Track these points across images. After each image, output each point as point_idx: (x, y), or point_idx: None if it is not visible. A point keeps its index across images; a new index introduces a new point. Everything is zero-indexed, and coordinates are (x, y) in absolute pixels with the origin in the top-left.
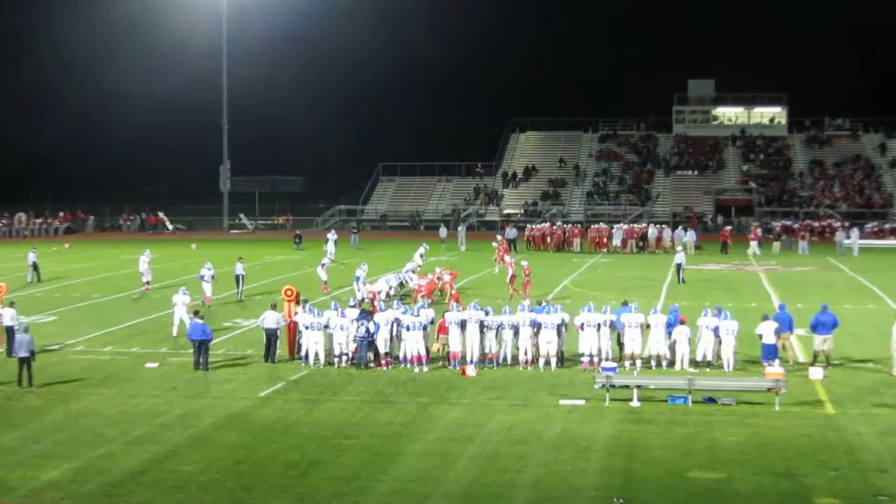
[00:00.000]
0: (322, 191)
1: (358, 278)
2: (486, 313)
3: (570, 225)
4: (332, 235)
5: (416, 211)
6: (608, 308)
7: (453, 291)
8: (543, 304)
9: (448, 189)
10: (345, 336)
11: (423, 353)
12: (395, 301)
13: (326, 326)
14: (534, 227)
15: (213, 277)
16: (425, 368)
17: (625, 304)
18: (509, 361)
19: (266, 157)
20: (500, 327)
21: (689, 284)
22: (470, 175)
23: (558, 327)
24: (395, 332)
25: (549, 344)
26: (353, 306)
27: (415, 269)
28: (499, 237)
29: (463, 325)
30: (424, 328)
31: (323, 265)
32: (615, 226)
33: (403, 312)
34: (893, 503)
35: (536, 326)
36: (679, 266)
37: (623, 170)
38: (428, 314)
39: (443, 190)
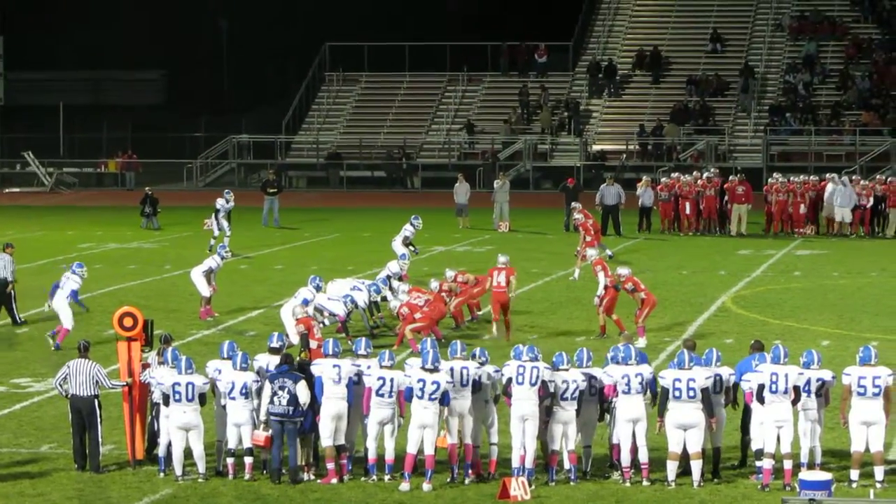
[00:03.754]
0: (202, 104)
1: (305, 302)
2: (554, 366)
3: (734, 177)
4: (223, 201)
5: (402, 147)
6: (813, 357)
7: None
8: (685, 350)
9: (472, 99)
10: (249, 413)
11: (430, 450)
12: (362, 342)
13: (202, 395)
14: (659, 181)
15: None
16: (427, 485)
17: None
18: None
19: (83, 30)
20: (580, 393)
21: None
22: (516, 71)
23: (704, 394)
24: (354, 405)
25: (687, 431)
26: (278, 349)
27: (401, 274)
28: (577, 206)
29: (502, 391)
30: (432, 396)
31: (209, 270)
32: (835, 179)
33: (384, 363)
34: None
35: (656, 392)
36: None
37: (850, 57)
38: (436, 372)
39: (459, 101)
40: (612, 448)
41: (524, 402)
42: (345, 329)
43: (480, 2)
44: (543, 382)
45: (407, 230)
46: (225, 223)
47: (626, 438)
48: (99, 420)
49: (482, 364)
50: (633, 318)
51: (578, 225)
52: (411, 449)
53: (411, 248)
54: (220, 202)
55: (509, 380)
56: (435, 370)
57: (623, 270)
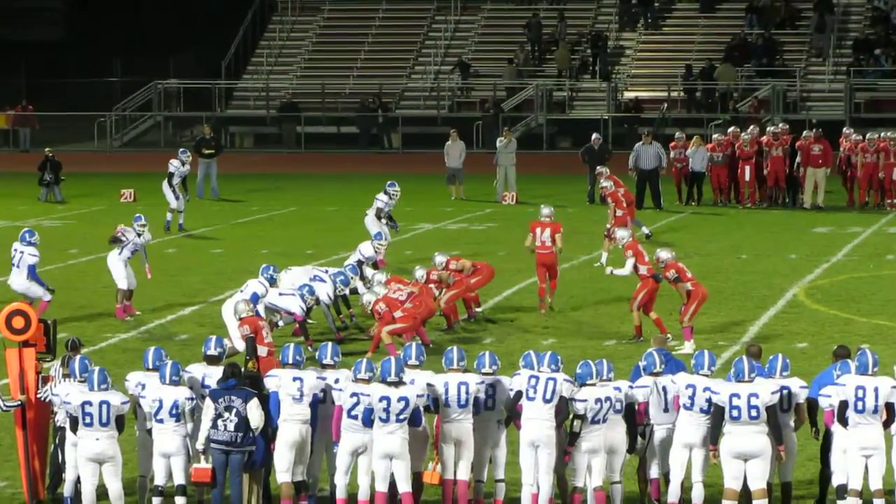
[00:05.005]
0: (117, 40)
1: (255, 298)
2: (577, 381)
3: (809, 133)
4: (178, 163)
5: (377, 95)
6: None
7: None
8: (745, 357)
9: (467, 33)
10: (181, 440)
11: (404, 486)
12: (328, 348)
13: (120, 417)
14: (711, 139)
15: None
16: None
17: None
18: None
19: None
20: (603, 413)
21: None
22: None
23: (770, 414)
24: (319, 429)
25: (749, 461)
26: (217, 358)
27: (377, 259)
28: (604, 171)
29: (510, 409)
30: (400, 417)
31: (129, 243)
32: None
33: (360, 376)
34: None
35: (709, 411)
36: None
37: None
38: (417, 384)
39: (451, 36)
40: (650, 483)
41: (537, 424)
42: (304, 331)
43: None
44: (563, 399)
45: (380, 201)
46: (181, 192)
47: (679, 468)
48: None
49: (491, 374)
50: (678, 315)
51: (606, 195)
52: (381, 486)
53: (389, 224)
54: (174, 164)
55: (518, 394)
56: (400, 382)
57: (664, 254)
